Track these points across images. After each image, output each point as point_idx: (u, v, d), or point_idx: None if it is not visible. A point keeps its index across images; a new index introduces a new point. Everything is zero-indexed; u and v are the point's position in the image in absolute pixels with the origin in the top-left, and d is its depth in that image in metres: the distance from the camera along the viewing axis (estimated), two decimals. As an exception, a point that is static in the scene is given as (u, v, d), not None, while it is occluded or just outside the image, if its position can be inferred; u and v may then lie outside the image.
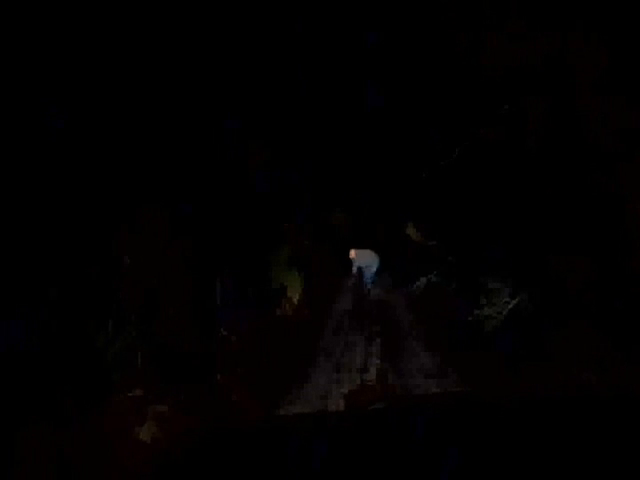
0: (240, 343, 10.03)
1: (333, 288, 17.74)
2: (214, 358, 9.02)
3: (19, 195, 7.07)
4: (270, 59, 11.96)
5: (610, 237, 9.10)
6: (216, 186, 11.25)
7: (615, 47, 9.21)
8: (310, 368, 10.26)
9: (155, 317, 8.79)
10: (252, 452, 6.48)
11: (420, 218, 15.84)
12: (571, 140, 9.69)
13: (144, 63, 9.28)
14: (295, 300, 15.06)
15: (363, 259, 16.53)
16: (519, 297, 8.93)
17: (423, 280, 14.17)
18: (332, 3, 12.29)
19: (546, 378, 8.04)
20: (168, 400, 7.76)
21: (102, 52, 8.73)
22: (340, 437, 6.65)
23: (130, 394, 7.86)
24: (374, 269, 16.40)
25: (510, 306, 8.96)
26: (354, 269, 16.68)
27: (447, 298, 12.42)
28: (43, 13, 7.78)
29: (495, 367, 8.95)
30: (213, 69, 10.80)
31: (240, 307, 12.28)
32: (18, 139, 7.14)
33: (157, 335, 8.67)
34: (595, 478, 4.93)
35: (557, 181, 9.78)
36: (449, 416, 6.97)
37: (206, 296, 10.49)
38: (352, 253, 16.64)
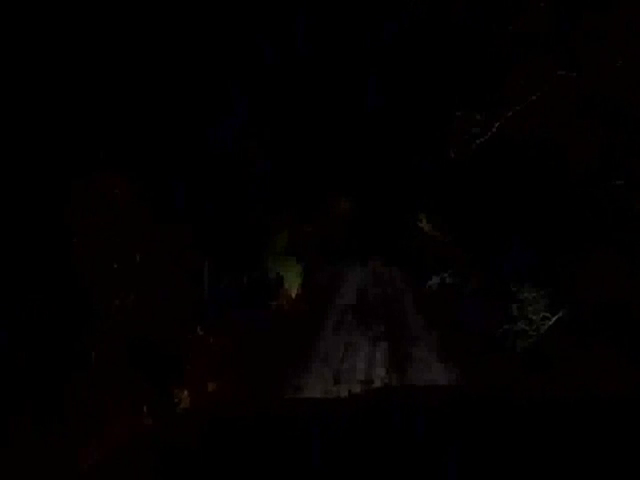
0: (218, 344, 8.56)
1: (335, 279, 16.55)
2: (184, 365, 7.57)
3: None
4: (275, 51, 11.84)
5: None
6: (208, 166, 10.21)
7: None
8: (303, 376, 8.88)
9: (124, 310, 7.48)
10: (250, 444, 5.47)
11: (434, 208, 14.41)
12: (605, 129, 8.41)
13: (135, 57, 8.48)
14: (293, 293, 13.76)
15: None
16: (562, 311, 7.36)
17: (436, 279, 12.63)
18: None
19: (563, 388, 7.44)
20: (132, 407, 6.54)
21: (93, 40, 7.96)
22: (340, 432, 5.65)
23: (91, 395, 6.75)
24: None
25: (551, 322, 7.39)
26: None
27: (463, 302, 10.98)
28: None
29: (515, 379, 7.93)
30: (210, 58, 10.25)
31: (231, 299, 11.09)
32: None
33: (126, 332, 7.37)
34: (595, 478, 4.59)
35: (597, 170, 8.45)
36: (451, 412, 6.17)
37: (190, 287, 9.17)
38: None
